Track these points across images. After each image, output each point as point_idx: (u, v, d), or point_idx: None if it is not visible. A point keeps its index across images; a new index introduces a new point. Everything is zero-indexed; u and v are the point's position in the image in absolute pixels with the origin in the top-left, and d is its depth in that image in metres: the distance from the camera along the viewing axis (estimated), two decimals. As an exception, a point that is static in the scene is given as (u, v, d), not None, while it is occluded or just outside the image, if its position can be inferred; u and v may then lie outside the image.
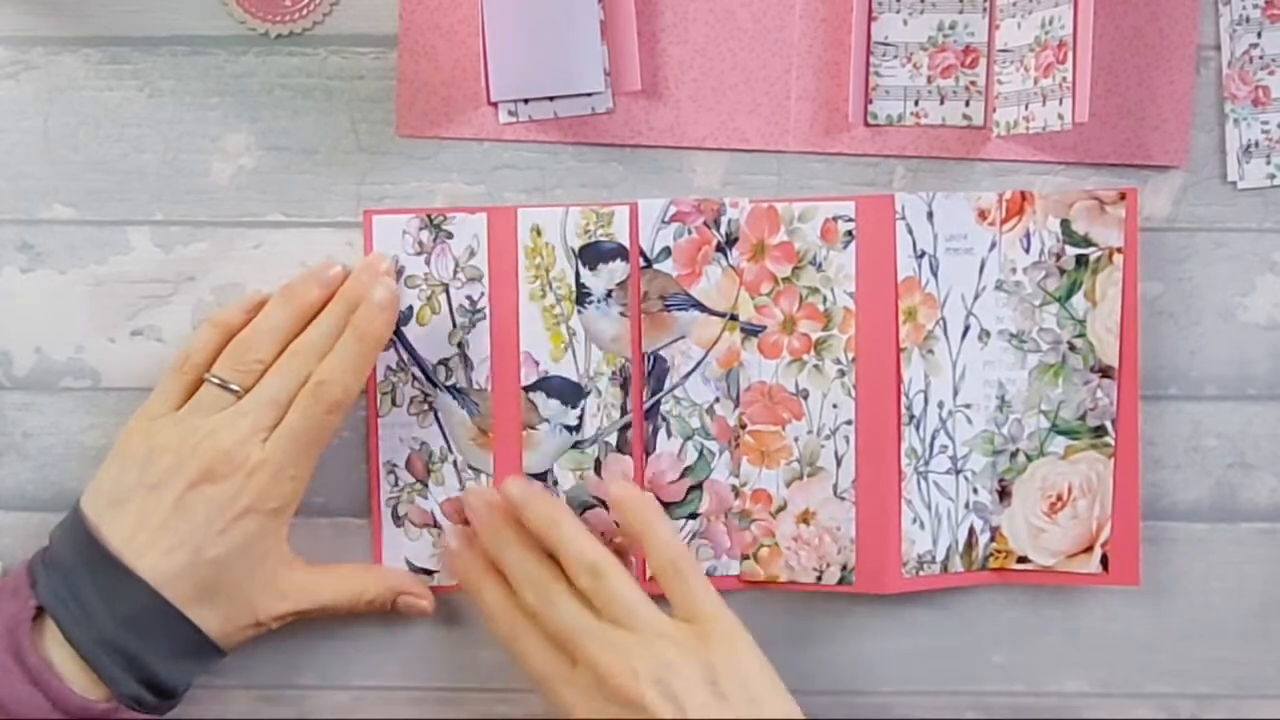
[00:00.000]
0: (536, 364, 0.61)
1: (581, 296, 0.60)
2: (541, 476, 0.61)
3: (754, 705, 0.52)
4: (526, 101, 0.61)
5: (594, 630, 0.54)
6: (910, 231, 0.59)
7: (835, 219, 0.60)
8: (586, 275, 0.60)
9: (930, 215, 0.59)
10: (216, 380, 0.57)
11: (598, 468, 0.61)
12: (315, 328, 0.58)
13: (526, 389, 0.61)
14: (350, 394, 0.56)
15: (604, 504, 0.61)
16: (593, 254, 0.60)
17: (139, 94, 0.61)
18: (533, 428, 0.61)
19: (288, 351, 0.57)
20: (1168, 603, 0.62)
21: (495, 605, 0.57)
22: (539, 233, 0.61)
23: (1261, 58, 0.60)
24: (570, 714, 0.53)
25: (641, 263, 0.60)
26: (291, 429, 0.56)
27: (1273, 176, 0.61)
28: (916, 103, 0.60)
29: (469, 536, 0.60)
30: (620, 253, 0.60)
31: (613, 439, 0.61)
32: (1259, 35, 0.60)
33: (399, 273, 0.61)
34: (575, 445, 0.61)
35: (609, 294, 0.60)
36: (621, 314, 0.60)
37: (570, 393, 0.61)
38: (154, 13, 0.61)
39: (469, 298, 0.61)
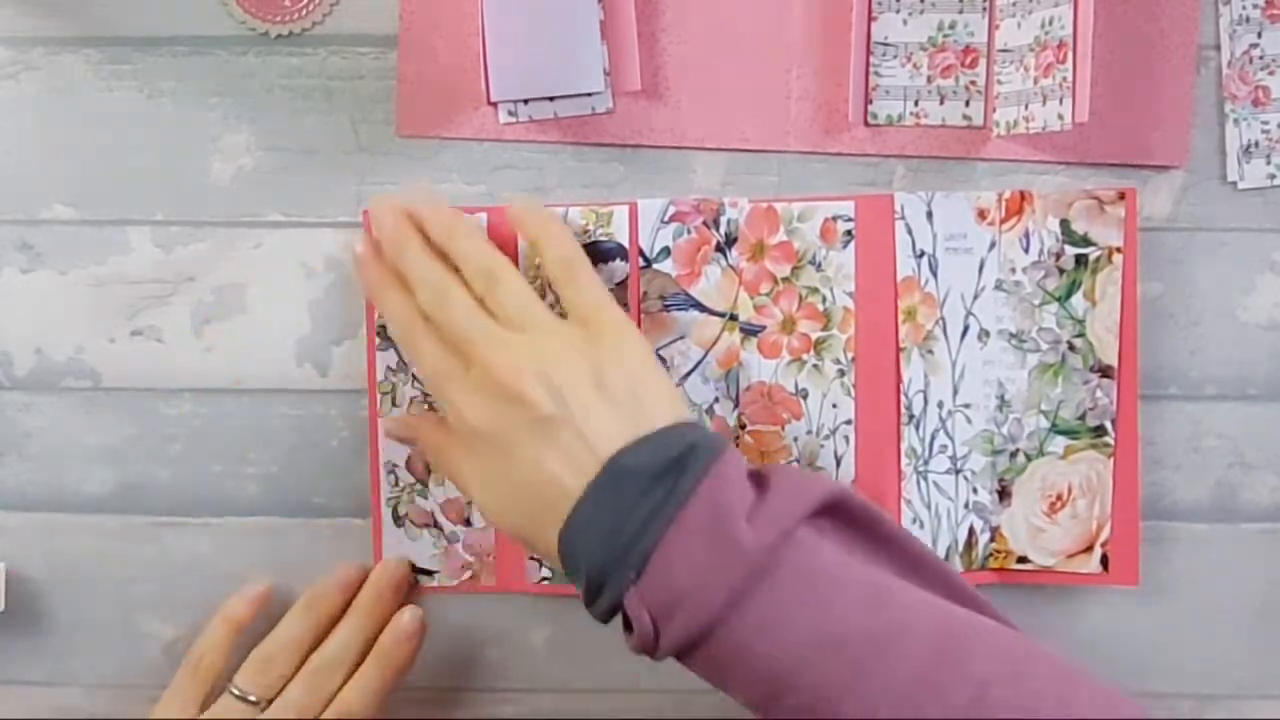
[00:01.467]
0: None
1: None
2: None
3: (635, 399, 0.52)
4: (526, 101, 0.61)
5: (486, 330, 0.53)
6: (910, 231, 0.59)
7: (834, 219, 0.60)
8: None
9: (930, 215, 0.59)
10: (238, 691, 0.58)
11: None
12: (335, 641, 0.59)
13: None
14: (370, 717, 0.58)
15: None
16: (592, 254, 0.60)
17: (139, 94, 0.61)
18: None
19: (308, 667, 0.59)
20: (1168, 603, 0.62)
21: (396, 308, 0.56)
22: None
23: (1261, 58, 0.60)
24: (461, 415, 0.53)
25: (641, 263, 0.60)
26: None
27: (1273, 176, 0.61)
28: (916, 103, 0.60)
29: (376, 246, 0.58)
30: (620, 252, 0.60)
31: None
32: (1259, 35, 0.60)
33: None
34: (575, 445, 0.61)
35: None
36: None
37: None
38: (154, 13, 0.61)
39: (469, 298, 0.61)
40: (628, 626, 0.50)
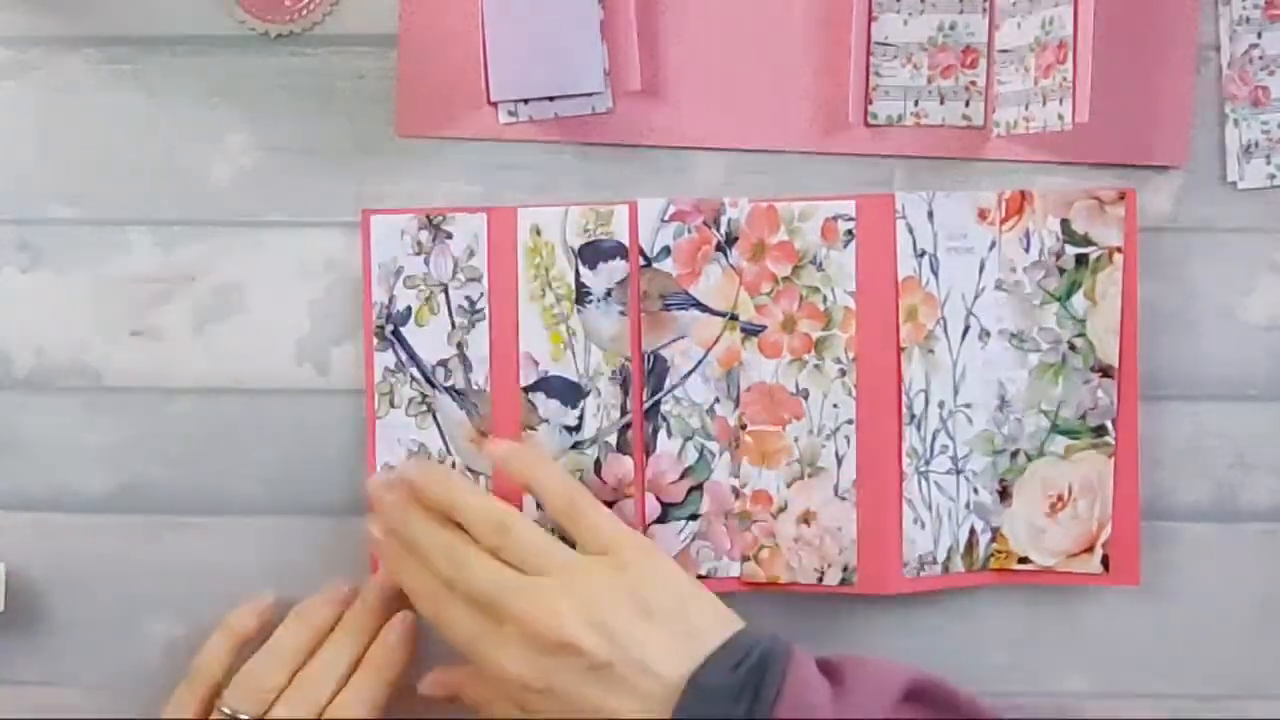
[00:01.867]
0: (536, 364, 0.61)
1: (581, 296, 0.60)
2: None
3: (684, 617, 0.52)
4: (526, 101, 0.61)
5: (512, 584, 0.53)
6: (910, 231, 0.59)
7: (835, 218, 0.60)
8: (586, 274, 0.60)
9: (931, 215, 0.59)
10: (228, 711, 0.58)
11: (598, 468, 0.61)
12: (325, 654, 0.59)
13: (526, 389, 0.61)
14: None
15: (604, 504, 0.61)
16: (592, 253, 0.60)
17: (139, 94, 0.61)
18: (532, 428, 0.61)
19: (296, 682, 0.58)
20: (1168, 603, 0.62)
21: (415, 583, 0.56)
22: (538, 232, 0.60)
23: (1261, 58, 0.60)
24: (505, 672, 0.52)
25: (641, 262, 0.60)
26: None
27: (1273, 176, 0.61)
28: (916, 103, 0.60)
29: (380, 529, 0.59)
30: (620, 251, 0.60)
31: (612, 439, 0.61)
32: (1259, 35, 0.60)
33: (397, 272, 0.61)
34: (575, 446, 0.61)
35: (609, 293, 0.60)
36: (621, 313, 0.60)
37: (570, 393, 0.61)
38: (154, 13, 0.61)
39: (468, 298, 0.61)
40: None
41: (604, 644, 0.50)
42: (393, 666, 0.59)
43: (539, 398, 0.61)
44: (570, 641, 0.51)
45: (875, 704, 0.49)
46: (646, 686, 0.50)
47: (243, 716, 0.57)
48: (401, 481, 0.58)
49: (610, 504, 0.60)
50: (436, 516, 0.57)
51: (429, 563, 0.56)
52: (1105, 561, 0.60)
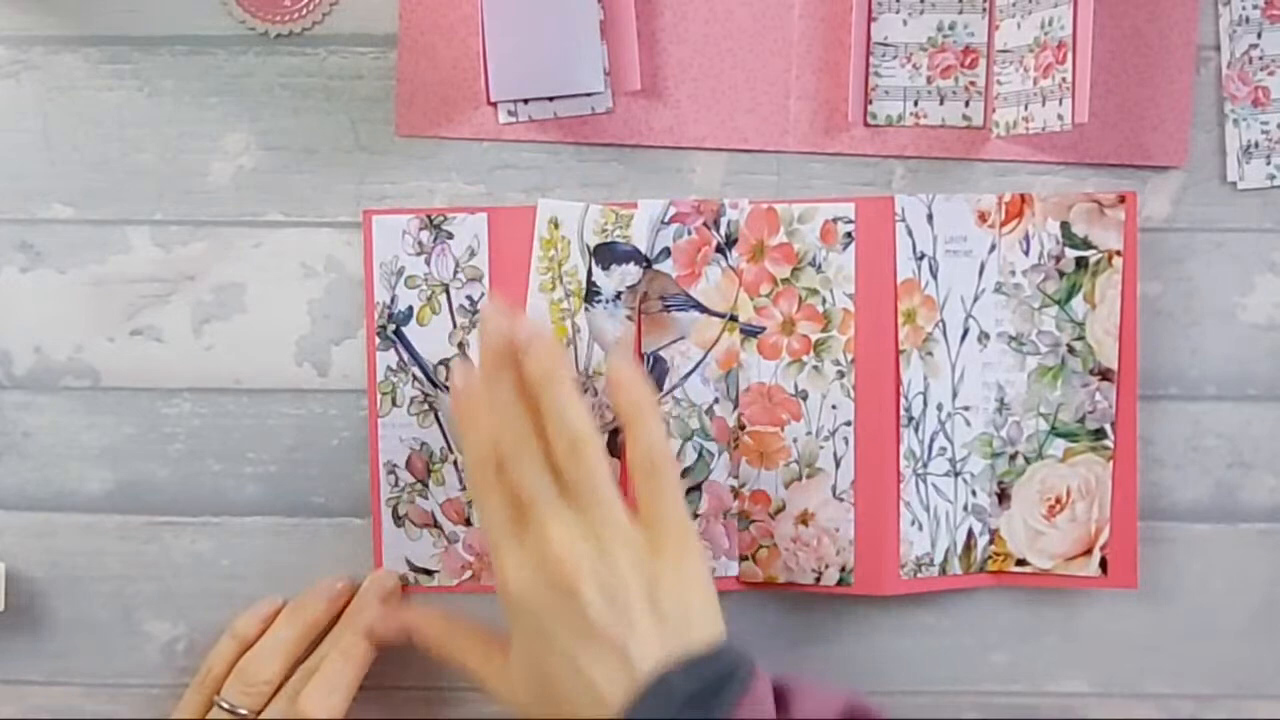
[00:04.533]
0: None
1: (591, 295, 0.60)
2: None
3: (683, 619, 0.51)
4: (526, 101, 0.61)
5: (554, 506, 0.52)
6: (910, 233, 0.59)
7: (835, 220, 0.60)
8: (599, 274, 0.60)
9: (930, 217, 0.59)
10: (226, 705, 0.58)
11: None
12: (320, 653, 0.59)
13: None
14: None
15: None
16: (607, 254, 0.60)
17: (139, 94, 0.61)
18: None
19: (296, 676, 0.59)
20: (1167, 603, 0.62)
21: (473, 448, 0.54)
22: (556, 225, 0.60)
23: (1261, 58, 0.60)
24: (504, 585, 0.52)
25: (641, 263, 0.60)
26: None
27: (1273, 177, 0.61)
28: (916, 103, 0.60)
29: (471, 377, 0.55)
30: (635, 256, 0.60)
31: (605, 439, 0.61)
32: (1259, 35, 0.60)
33: (399, 272, 0.61)
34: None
35: (618, 296, 0.60)
36: (628, 318, 0.60)
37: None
38: (154, 12, 0.61)
39: (469, 298, 0.61)
40: None
41: (604, 611, 0.50)
42: (362, 655, 0.59)
43: (537, 391, 0.61)
44: (577, 591, 0.50)
45: None
46: (619, 669, 0.50)
47: (241, 710, 0.58)
48: (512, 333, 0.53)
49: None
50: (526, 391, 0.53)
51: (496, 428, 0.54)
52: (1103, 564, 0.60)
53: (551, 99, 0.60)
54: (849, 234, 0.60)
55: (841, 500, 0.60)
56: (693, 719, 0.49)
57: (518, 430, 0.53)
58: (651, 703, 0.49)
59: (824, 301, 0.60)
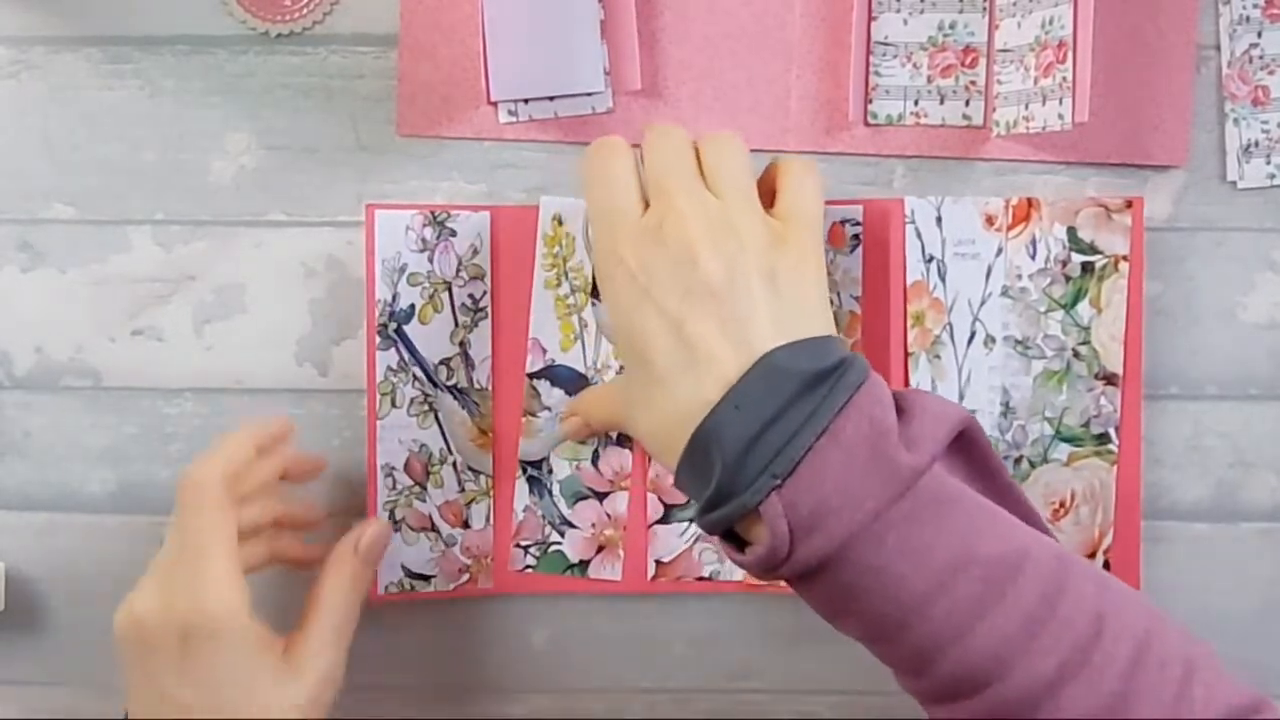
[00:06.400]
0: (544, 351, 0.61)
1: (597, 290, 0.60)
2: (537, 465, 0.61)
3: (799, 305, 0.49)
4: (526, 101, 0.61)
5: (689, 177, 0.50)
6: (919, 236, 0.59)
7: (843, 223, 0.60)
8: None
9: (939, 220, 0.59)
10: None
11: (595, 460, 0.61)
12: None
13: (532, 375, 0.61)
14: None
15: (598, 495, 0.61)
16: None
17: (139, 94, 0.61)
18: (533, 415, 0.61)
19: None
20: (1168, 603, 0.62)
21: (611, 142, 0.52)
22: (560, 221, 0.60)
23: (1261, 58, 0.60)
24: (617, 244, 0.50)
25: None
26: None
27: (1273, 176, 0.61)
28: (916, 102, 0.60)
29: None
30: None
31: (613, 433, 0.61)
32: (1259, 35, 0.60)
33: (401, 269, 0.61)
34: (575, 435, 0.61)
35: None
36: None
37: (575, 383, 0.61)
38: (154, 12, 0.61)
39: (471, 296, 0.61)
40: (736, 542, 0.48)
41: (722, 278, 0.48)
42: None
43: (544, 385, 0.61)
44: (696, 255, 0.48)
45: (934, 436, 0.46)
46: (733, 337, 0.47)
47: None
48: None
49: (604, 496, 0.60)
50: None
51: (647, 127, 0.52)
52: (1107, 568, 0.60)
53: (552, 99, 0.61)
54: (856, 236, 0.60)
55: (843, 499, 0.60)
56: (814, 395, 0.46)
57: (675, 136, 0.52)
58: (760, 376, 0.46)
59: (831, 304, 0.60)
